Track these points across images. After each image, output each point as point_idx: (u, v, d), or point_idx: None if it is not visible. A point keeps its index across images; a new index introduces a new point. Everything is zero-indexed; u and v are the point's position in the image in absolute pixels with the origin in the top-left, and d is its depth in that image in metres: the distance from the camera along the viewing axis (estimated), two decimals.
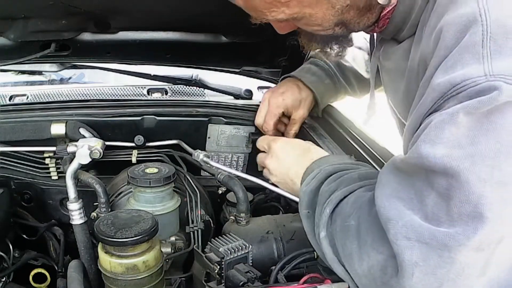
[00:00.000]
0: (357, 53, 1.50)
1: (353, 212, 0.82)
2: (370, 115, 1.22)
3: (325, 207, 0.87)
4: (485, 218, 0.63)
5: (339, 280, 0.91)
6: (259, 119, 1.46)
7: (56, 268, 1.33)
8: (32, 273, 1.34)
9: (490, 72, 0.65)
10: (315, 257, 1.01)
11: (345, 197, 0.87)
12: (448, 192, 0.66)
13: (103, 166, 1.46)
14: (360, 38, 1.52)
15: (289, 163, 1.10)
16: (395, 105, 1.04)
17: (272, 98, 1.44)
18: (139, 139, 1.46)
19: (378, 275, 0.73)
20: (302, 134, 1.51)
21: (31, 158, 1.45)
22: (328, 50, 1.03)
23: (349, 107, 1.59)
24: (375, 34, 1.11)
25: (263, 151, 1.21)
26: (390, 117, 1.21)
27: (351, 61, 1.47)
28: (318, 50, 1.06)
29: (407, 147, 0.77)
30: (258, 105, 1.58)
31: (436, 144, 0.67)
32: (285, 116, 1.48)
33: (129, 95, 2.01)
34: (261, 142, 1.23)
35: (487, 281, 0.68)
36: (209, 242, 1.05)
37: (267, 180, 1.39)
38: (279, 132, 1.50)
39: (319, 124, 1.51)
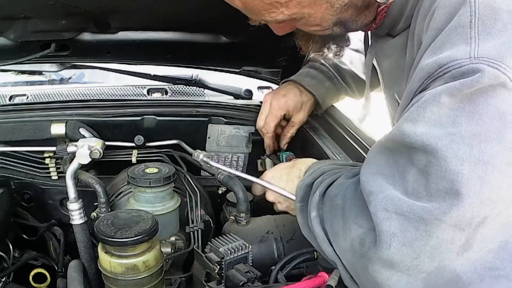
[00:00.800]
0: (354, 55, 1.50)
1: (339, 192, 0.85)
2: (365, 113, 1.23)
3: (315, 191, 0.92)
4: (461, 196, 0.64)
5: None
6: (260, 122, 1.47)
7: (56, 268, 1.33)
8: (32, 273, 1.34)
9: (475, 54, 0.66)
10: (315, 257, 1.01)
11: (334, 181, 0.91)
12: (427, 169, 0.67)
13: (103, 166, 1.46)
14: (356, 40, 1.53)
15: (283, 185, 1.12)
16: (400, 96, 1.02)
17: (274, 100, 1.44)
18: (139, 139, 1.46)
19: (358, 247, 0.75)
20: (302, 134, 1.51)
21: (31, 158, 1.45)
22: (326, 50, 1.04)
23: (349, 107, 1.59)
24: (369, 32, 1.11)
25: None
26: (387, 115, 1.21)
27: (348, 63, 1.48)
28: (315, 51, 1.07)
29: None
30: (258, 105, 1.58)
31: (417, 122, 0.69)
32: (284, 119, 1.48)
33: (129, 95, 2.01)
34: (255, 188, 1.24)
35: (469, 260, 0.69)
36: (209, 242, 1.05)
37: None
38: (277, 135, 1.50)
39: (319, 124, 1.51)
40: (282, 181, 1.13)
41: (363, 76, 1.47)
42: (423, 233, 0.67)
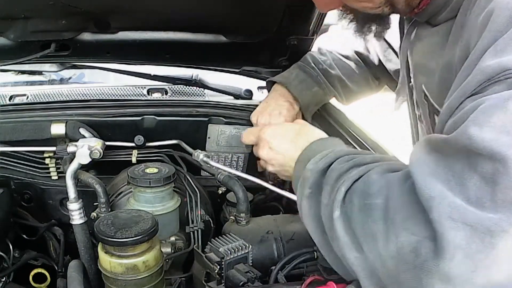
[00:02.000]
0: (344, 62, 1.51)
1: (377, 191, 0.77)
2: (401, 101, 1.20)
3: (339, 186, 0.82)
4: None
5: (341, 281, 0.91)
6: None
7: (56, 268, 1.33)
8: (32, 273, 1.34)
9: None
10: (315, 257, 1.01)
11: (360, 176, 0.83)
12: (493, 177, 0.64)
13: (103, 166, 1.46)
14: (347, 47, 1.54)
15: (284, 149, 1.08)
16: (428, 88, 1.01)
17: (260, 119, 1.45)
18: (139, 139, 1.46)
19: (410, 257, 0.69)
20: None
21: (31, 158, 1.45)
22: (367, 30, 1.03)
23: (349, 107, 1.59)
24: (402, 20, 1.10)
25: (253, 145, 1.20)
26: (398, 106, 1.21)
27: (337, 69, 1.48)
28: (356, 30, 1.05)
29: (441, 128, 0.75)
30: (258, 105, 1.58)
31: (483, 127, 0.65)
32: None
33: (129, 95, 2.01)
34: (247, 136, 1.21)
35: None
36: (209, 242, 1.05)
37: (267, 180, 1.39)
38: None
39: (319, 124, 1.51)
40: (284, 142, 1.08)
41: (350, 84, 1.49)
42: (488, 245, 0.64)
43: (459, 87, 0.74)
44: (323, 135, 1.08)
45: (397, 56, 1.44)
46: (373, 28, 1.03)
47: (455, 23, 0.89)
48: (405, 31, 1.11)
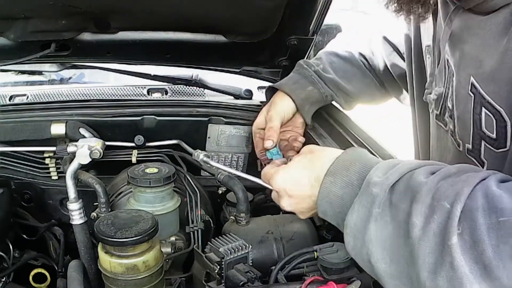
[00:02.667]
0: (342, 64, 1.50)
1: (511, 205, 0.66)
2: (437, 92, 1.11)
3: (452, 206, 0.69)
4: None
5: (341, 281, 0.91)
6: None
7: (56, 268, 1.33)
8: (32, 273, 1.34)
9: None
10: (315, 257, 1.01)
11: (471, 192, 0.70)
12: None
13: (103, 166, 1.46)
14: (350, 49, 1.53)
15: (308, 191, 0.91)
16: (479, 80, 0.95)
17: (257, 123, 1.45)
18: (139, 139, 1.46)
19: None
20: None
21: (31, 158, 1.45)
22: (409, 10, 0.98)
23: (352, 111, 1.58)
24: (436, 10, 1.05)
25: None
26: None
27: (332, 73, 1.47)
28: (397, 11, 0.99)
29: None
30: (258, 105, 1.58)
31: None
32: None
33: (129, 95, 2.01)
34: (263, 179, 1.06)
35: None
36: (209, 242, 1.05)
37: None
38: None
39: (319, 124, 1.51)
40: (304, 186, 0.91)
41: (347, 87, 1.47)
42: None
43: None
44: (338, 151, 0.92)
45: (403, 59, 1.41)
46: (415, 8, 0.96)
47: None
48: (441, 21, 1.04)
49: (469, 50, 0.98)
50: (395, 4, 0.98)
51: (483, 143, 0.97)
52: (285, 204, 0.96)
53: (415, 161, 0.81)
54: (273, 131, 1.33)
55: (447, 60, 1.06)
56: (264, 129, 1.40)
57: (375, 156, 1.02)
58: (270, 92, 1.49)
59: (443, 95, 1.09)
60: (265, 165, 1.37)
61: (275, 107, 1.40)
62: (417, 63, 1.26)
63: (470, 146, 1.01)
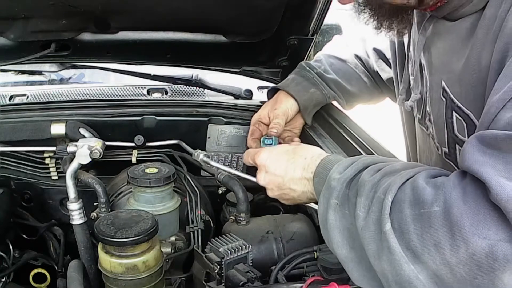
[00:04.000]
0: (342, 65, 1.50)
1: (432, 198, 0.74)
2: (414, 98, 1.14)
3: (381, 197, 0.78)
4: None
5: (342, 281, 0.91)
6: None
7: (56, 268, 1.34)
8: (32, 273, 1.34)
9: None
10: (315, 257, 1.01)
11: (402, 184, 0.79)
12: None
13: (103, 166, 1.46)
14: (347, 52, 1.53)
15: (281, 170, 1.04)
16: (449, 84, 0.98)
17: (254, 116, 1.45)
18: (139, 139, 1.46)
19: (486, 261, 0.67)
20: (301, 134, 1.51)
21: (31, 158, 1.45)
22: (386, 26, 1.01)
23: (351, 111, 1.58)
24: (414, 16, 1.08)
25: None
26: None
27: (333, 74, 1.47)
28: (376, 28, 1.02)
29: (488, 122, 0.74)
30: (258, 105, 1.58)
31: None
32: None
33: (129, 95, 2.01)
34: (245, 158, 1.17)
35: None
36: (209, 242, 1.05)
37: None
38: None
39: (319, 124, 1.51)
40: (280, 166, 1.04)
41: (349, 87, 1.48)
42: None
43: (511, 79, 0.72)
44: (320, 151, 1.05)
45: (388, 65, 1.44)
46: (394, 25, 1.00)
47: (484, 16, 0.87)
48: (417, 29, 1.08)
49: (439, 55, 1.02)
50: (375, 22, 1.01)
51: (457, 146, 0.99)
52: (261, 178, 1.08)
53: (371, 158, 0.92)
54: (280, 126, 1.38)
55: (423, 66, 1.09)
56: (263, 123, 1.43)
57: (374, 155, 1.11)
58: (272, 92, 1.50)
59: (423, 99, 1.11)
60: None
61: (281, 106, 1.42)
62: (401, 68, 1.28)
63: (446, 150, 1.04)
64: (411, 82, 1.16)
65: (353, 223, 0.83)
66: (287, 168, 1.03)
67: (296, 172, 1.01)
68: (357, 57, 1.53)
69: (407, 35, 1.14)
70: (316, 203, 0.98)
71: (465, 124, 0.94)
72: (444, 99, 1.00)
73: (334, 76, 1.47)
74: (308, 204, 1.16)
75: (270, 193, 1.09)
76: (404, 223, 0.74)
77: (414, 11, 1.07)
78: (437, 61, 1.03)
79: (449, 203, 0.71)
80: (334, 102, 1.53)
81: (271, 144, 1.33)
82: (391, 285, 0.76)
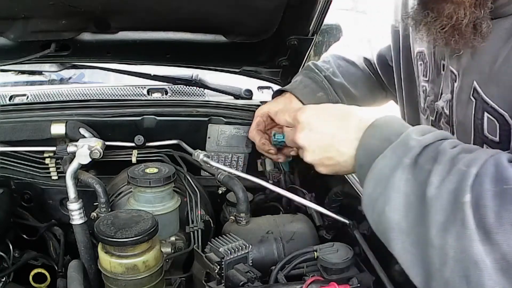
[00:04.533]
0: (349, 68, 1.50)
1: None
2: (445, 99, 1.10)
3: (467, 168, 0.73)
4: None
5: (342, 281, 0.91)
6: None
7: (56, 268, 1.33)
8: (32, 273, 1.34)
9: None
10: (315, 257, 1.01)
11: (486, 160, 0.74)
12: None
13: (103, 166, 1.46)
14: (355, 53, 1.53)
15: (331, 128, 0.92)
16: (482, 85, 0.96)
17: (258, 109, 1.41)
18: (139, 139, 1.46)
19: None
20: None
21: (31, 158, 1.45)
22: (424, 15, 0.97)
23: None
24: None
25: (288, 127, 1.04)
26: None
27: (341, 77, 1.47)
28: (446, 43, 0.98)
29: None
30: (258, 105, 1.58)
31: None
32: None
33: (129, 95, 2.01)
34: (281, 116, 1.05)
35: None
36: (209, 242, 1.05)
37: (267, 180, 1.39)
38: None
39: None
40: (330, 125, 0.93)
41: (353, 91, 1.47)
42: None
43: None
44: (377, 112, 0.94)
45: (391, 68, 1.43)
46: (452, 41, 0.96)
47: None
48: None
49: (475, 56, 0.99)
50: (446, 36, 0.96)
51: (485, 146, 0.98)
52: (300, 136, 0.96)
53: (446, 132, 0.85)
54: None
55: (449, 67, 1.07)
56: (271, 118, 1.36)
57: None
58: (277, 94, 1.48)
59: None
60: (268, 157, 1.36)
61: (286, 106, 1.37)
62: (406, 70, 1.27)
63: None
64: (430, 83, 1.15)
65: (420, 190, 0.75)
66: (339, 127, 0.92)
67: (349, 133, 0.90)
68: (366, 59, 1.52)
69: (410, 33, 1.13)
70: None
71: (498, 125, 0.93)
72: (473, 100, 0.98)
73: (341, 80, 1.46)
74: (348, 179, 1.05)
75: (308, 156, 0.97)
76: (482, 197, 0.69)
77: None
78: (471, 62, 1.00)
79: None
80: None
81: (283, 140, 1.21)
82: (447, 262, 0.70)
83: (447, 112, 1.09)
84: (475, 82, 0.97)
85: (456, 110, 1.06)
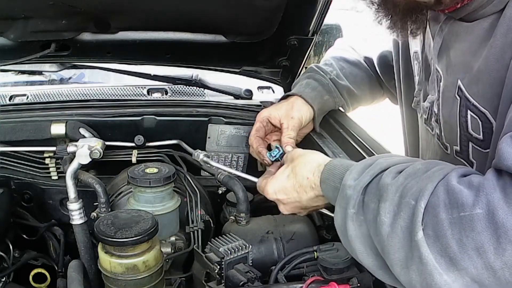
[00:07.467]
0: (351, 69, 1.50)
1: (473, 200, 0.70)
2: (430, 100, 1.14)
3: (416, 203, 0.74)
4: None
5: (342, 281, 0.91)
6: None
7: (56, 268, 1.34)
8: (32, 273, 1.34)
9: None
10: (315, 257, 1.01)
11: (434, 188, 0.74)
12: None
13: (103, 166, 1.46)
14: (356, 54, 1.53)
15: (296, 198, 1.03)
16: (465, 84, 0.98)
17: (259, 114, 1.41)
18: (139, 139, 1.46)
19: None
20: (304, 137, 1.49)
21: (31, 158, 1.45)
22: (400, 26, 1.01)
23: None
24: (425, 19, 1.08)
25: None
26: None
27: (345, 79, 1.47)
28: (390, 27, 1.02)
29: None
30: (258, 105, 1.58)
31: None
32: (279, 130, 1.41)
33: (129, 95, 2.01)
34: (260, 191, 1.15)
35: None
36: (209, 242, 1.05)
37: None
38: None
39: (320, 126, 1.51)
40: (292, 194, 1.03)
41: (358, 92, 1.47)
42: None
43: None
44: (317, 161, 1.01)
45: (390, 68, 1.43)
46: (408, 24, 1.01)
47: (504, 16, 0.88)
48: (431, 31, 1.09)
49: (457, 56, 1.02)
50: (389, 21, 1.01)
51: (470, 144, 1.00)
52: (282, 209, 1.08)
53: (389, 160, 0.88)
54: (293, 140, 1.35)
55: (436, 67, 1.09)
56: (272, 124, 1.39)
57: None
58: (284, 98, 1.47)
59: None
60: (264, 164, 1.37)
61: (297, 114, 1.38)
62: (405, 69, 1.28)
63: (458, 148, 1.05)
64: (418, 84, 1.17)
65: (376, 229, 0.79)
66: (299, 193, 1.02)
67: (309, 193, 1.01)
68: (367, 58, 1.53)
69: (419, 37, 1.14)
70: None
71: (480, 122, 0.95)
72: (458, 98, 1.00)
73: (346, 83, 1.46)
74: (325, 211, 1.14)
75: (301, 214, 1.12)
76: (440, 228, 0.71)
77: (428, 12, 1.06)
78: (455, 62, 1.03)
79: (493, 205, 0.68)
80: None
81: (278, 158, 1.27)
82: None
83: (435, 110, 1.11)
84: (459, 81, 1.00)
85: (442, 108, 1.07)
